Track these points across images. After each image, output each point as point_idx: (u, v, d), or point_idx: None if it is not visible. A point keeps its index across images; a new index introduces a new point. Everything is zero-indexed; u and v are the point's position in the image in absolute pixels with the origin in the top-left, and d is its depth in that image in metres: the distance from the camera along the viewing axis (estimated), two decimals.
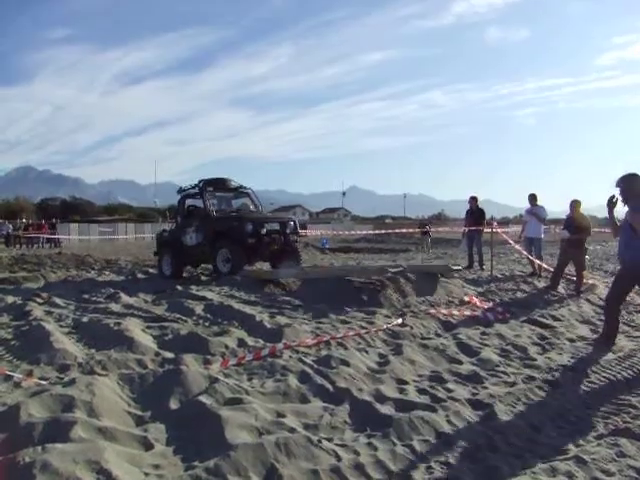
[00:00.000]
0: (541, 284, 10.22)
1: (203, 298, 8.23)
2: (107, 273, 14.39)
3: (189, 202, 13.07)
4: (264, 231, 11.25)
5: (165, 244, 13.18)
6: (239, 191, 13.16)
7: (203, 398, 3.85)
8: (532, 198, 11.76)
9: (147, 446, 3.30)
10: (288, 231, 11.86)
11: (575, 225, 9.63)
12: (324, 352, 5.20)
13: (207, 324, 6.77)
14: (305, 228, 40.51)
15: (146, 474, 2.96)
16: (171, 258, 12.60)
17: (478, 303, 8.09)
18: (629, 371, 5.38)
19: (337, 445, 3.41)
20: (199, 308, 7.53)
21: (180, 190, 12.97)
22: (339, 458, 3.23)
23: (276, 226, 11.70)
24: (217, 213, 12.12)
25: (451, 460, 3.36)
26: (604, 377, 5.14)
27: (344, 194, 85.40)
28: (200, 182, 12.34)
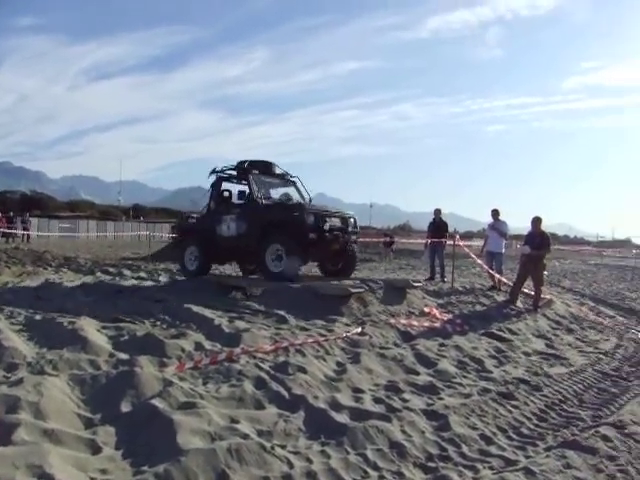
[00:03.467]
0: (500, 298, 10.39)
1: (162, 299, 8.11)
2: (65, 271, 14.06)
3: (225, 186, 10.94)
4: (327, 226, 9.33)
5: (191, 233, 10.92)
6: (285, 179, 11.16)
7: (156, 401, 3.77)
8: (495, 213, 11.97)
9: (95, 449, 3.22)
10: (350, 229, 10.09)
11: (536, 241, 9.81)
12: (282, 358, 5.16)
13: (164, 326, 6.66)
14: None
15: (92, 479, 2.88)
16: (199, 250, 10.51)
17: (438, 315, 8.16)
18: (580, 385, 5.51)
19: (290, 452, 3.39)
20: (157, 309, 7.41)
21: (214, 171, 10.80)
22: (291, 465, 3.20)
23: (338, 222, 9.83)
24: (266, 200, 10.07)
25: (403, 470, 3.38)
26: (556, 390, 5.25)
27: (311, 200, 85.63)
28: (244, 163, 10.45)
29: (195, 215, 11.23)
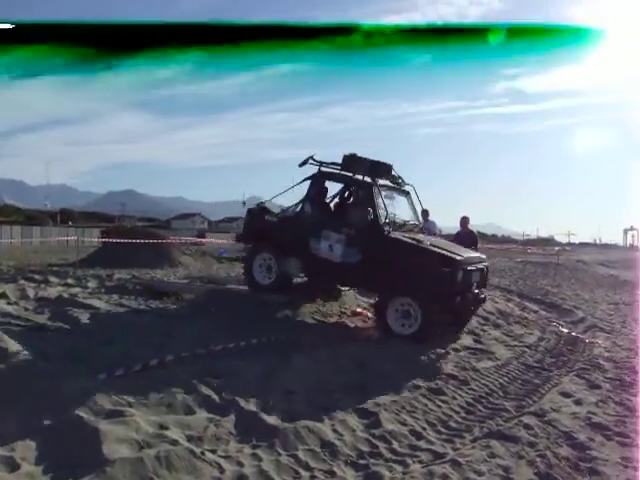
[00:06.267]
0: None
1: (90, 306, 7.82)
2: None
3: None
4: (474, 279, 7.38)
5: (269, 234, 8.06)
6: (400, 187, 8.40)
7: (81, 412, 3.66)
8: (424, 213, 12.19)
9: (12, 467, 3.06)
10: (485, 281, 8.13)
11: (464, 240, 10.08)
12: (213, 362, 5.09)
13: (92, 334, 6.44)
14: (204, 237, 39.73)
15: None
16: (277, 261, 7.89)
17: (369, 314, 8.25)
18: (505, 378, 5.73)
19: (220, 457, 3.36)
20: (85, 317, 7.13)
21: (314, 161, 7.91)
22: (222, 470, 3.19)
23: (478, 275, 7.58)
24: (393, 228, 7.44)
25: (335, 468, 3.42)
26: (483, 384, 5.44)
27: (244, 204, 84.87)
28: (363, 161, 7.67)
29: (277, 213, 8.34)
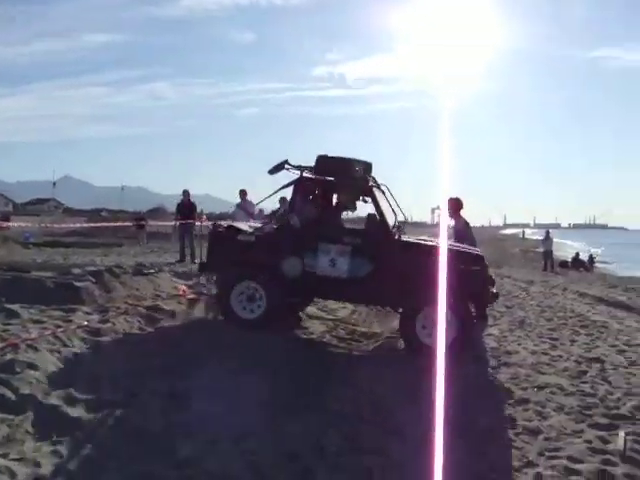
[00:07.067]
0: None
1: None
2: None
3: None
4: (488, 274, 6.85)
5: (248, 257, 6.74)
6: (379, 186, 7.26)
7: None
8: (242, 193, 12.45)
9: None
10: None
11: None
12: (9, 356, 4.57)
13: None
14: (8, 220, 35.84)
15: None
16: (264, 289, 6.55)
17: (189, 296, 8.05)
18: (319, 350, 5.98)
19: (13, 460, 3.04)
20: None
21: (291, 165, 6.88)
22: (13, 475, 2.88)
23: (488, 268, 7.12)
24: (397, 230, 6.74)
25: (145, 454, 3.28)
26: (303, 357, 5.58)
27: (55, 184, 78.14)
28: (349, 161, 6.85)
29: (252, 230, 7.02)
